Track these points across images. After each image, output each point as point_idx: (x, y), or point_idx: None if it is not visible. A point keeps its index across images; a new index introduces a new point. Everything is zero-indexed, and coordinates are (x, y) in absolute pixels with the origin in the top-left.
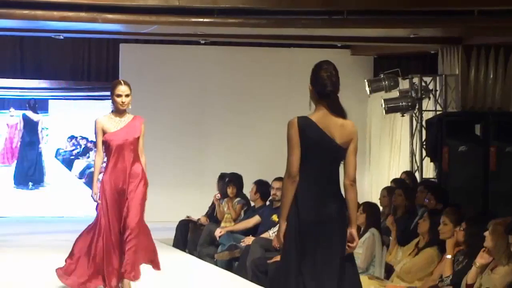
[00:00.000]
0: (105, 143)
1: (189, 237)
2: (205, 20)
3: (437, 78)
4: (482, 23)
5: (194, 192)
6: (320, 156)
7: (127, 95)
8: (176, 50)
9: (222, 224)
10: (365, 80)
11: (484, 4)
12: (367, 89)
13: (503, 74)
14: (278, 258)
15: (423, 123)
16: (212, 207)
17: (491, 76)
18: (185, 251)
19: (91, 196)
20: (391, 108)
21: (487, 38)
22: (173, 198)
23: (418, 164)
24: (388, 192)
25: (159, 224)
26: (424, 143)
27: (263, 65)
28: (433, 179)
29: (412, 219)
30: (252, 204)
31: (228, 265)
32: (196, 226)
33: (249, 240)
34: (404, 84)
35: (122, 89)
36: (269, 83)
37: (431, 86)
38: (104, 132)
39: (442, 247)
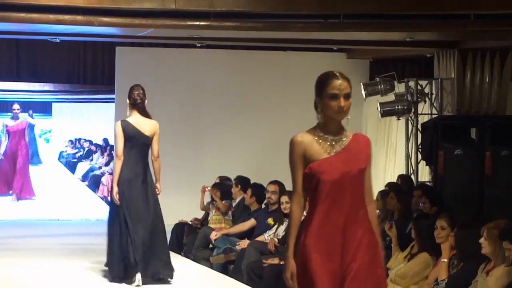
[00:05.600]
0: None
1: (185, 240)
2: (201, 23)
3: (433, 81)
4: (478, 27)
5: (189, 195)
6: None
7: None
8: (172, 53)
9: (210, 225)
10: (361, 84)
11: (480, 8)
12: (363, 92)
13: (498, 78)
14: (273, 261)
15: (419, 126)
16: (207, 213)
17: (487, 80)
18: (180, 254)
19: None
20: (387, 111)
21: (483, 42)
22: (169, 201)
23: (413, 168)
24: (382, 195)
25: None
26: (420, 146)
27: (259, 68)
28: (428, 183)
29: (408, 223)
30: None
31: (224, 268)
32: (191, 229)
33: (244, 243)
34: (400, 88)
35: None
36: (265, 86)
37: (427, 90)
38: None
39: (434, 251)
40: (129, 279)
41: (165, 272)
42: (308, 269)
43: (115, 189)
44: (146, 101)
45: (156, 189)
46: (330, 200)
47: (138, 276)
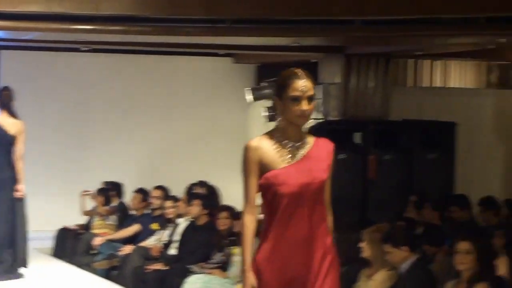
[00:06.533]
0: None
1: (68, 245)
2: (87, 27)
3: (318, 86)
4: (363, 33)
5: (73, 200)
6: None
7: None
8: (58, 57)
9: (93, 231)
10: (247, 88)
11: (366, 14)
12: (249, 97)
13: (382, 83)
14: (157, 266)
15: None
16: (90, 218)
17: (371, 85)
18: (63, 260)
19: None
20: (273, 116)
21: (368, 48)
22: (53, 207)
23: None
24: None
25: (38, 233)
26: None
27: (146, 72)
28: None
29: None
30: (133, 212)
31: (107, 274)
32: (75, 235)
33: (128, 248)
34: None
35: None
36: (152, 91)
37: None
38: None
39: None
40: None
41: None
42: None
43: None
44: (13, 102)
45: (18, 190)
46: (288, 215)
47: None
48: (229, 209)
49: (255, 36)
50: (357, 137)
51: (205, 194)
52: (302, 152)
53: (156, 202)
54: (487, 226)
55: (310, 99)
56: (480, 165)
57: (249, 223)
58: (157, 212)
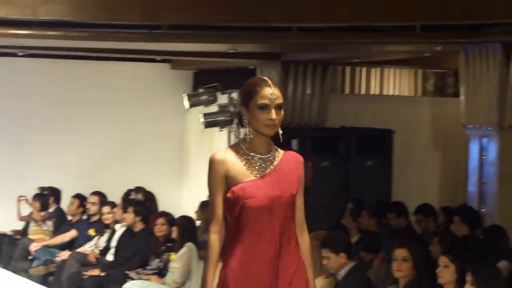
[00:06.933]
0: None
1: (3, 251)
2: (24, 32)
3: None
4: (300, 40)
5: (9, 205)
6: None
7: None
8: None
9: (30, 236)
10: (184, 95)
11: (302, 21)
12: (186, 103)
13: (319, 90)
14: (94, 272)
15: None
16: (27, 224)
17: (308, 92)
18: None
19: None
20: (210, 122)
21: (305, 55)
22: None
23: None
24: (203, 206)
25: None
26: None
27: (83, 78)
28: None
29: None
30: (70, 218)
31: (44, 280)
32: (11, 240)
33: (65, 254)
34: (223, 99)
35: None
36: (90, 96)
37: None
38: None
39: None
40: None
41: None
42: None
43: None
44: None
45: None
46: (256, 231)
47: None
48: (166, 215)
49: (192, 42)
50: (294, 144)
51: (140, 201)
52: (271, 165)
53: (92, 208)
54: (424, 233)
55: (279, 107)
56: (416, 172)
57: (214, 243)
58: (94, 218)
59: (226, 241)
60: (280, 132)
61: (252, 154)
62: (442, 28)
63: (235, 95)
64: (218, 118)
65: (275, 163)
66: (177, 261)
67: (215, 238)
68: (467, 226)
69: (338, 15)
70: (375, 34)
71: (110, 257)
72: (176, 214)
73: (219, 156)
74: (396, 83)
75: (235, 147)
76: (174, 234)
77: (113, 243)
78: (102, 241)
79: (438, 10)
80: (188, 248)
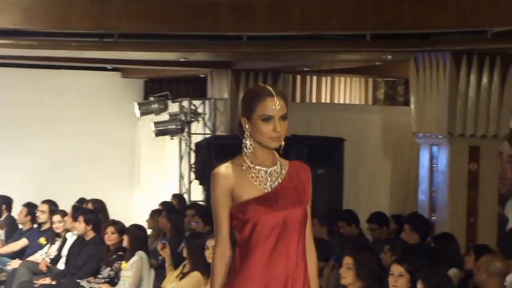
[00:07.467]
0: None
1: None
2: None
3: (206, 101)
4: (250, 48)
5: None
6: None
7: None
8: None
9: None
10: (135, 103)
11: (253, 30)
12: (137, 111)
13: None
14: (45, 280)
15: (192, 146)
16: None
17: None
18: None
19: None
20: (161, 131)
21: (256, 63)
22: None
23: (186, 187)
24: (155, 214)
25: None
26: (193, 166)
27: (35, 87)
28: (201, 202)
29: (181, 242)
30: (21, 226)
31: None
32: None
33: (15, 263)
34: (174, 108)
35: None
36: (41, 105)
37: (200, 110)
38: None
39: (206, 270)
40: None
41: None
42: None
43: None
44: None
45: None
46: (269, 250)
47: None
48: (116, 224)
49: (143, 50)
50: None
51: (90, 210)
52: (279, 178)
53: (42, 217)
54: (376, 241)
55: (284, 118)
56: (367, 180)
57: (219, 269)
58: (45, 227)
59: (233, 262)
60: (283, 143)
61: (258, 167)
62: (392, 37)
63: (186, 103)
64: (169, 127)
65: (283, 175)
66: (128, 269)
67: (220, 264)
68: (418, 234)
69: (288, 24)
70: (325, 43)
71: (61, 265)
72: (128, 222)
73: (224, 170)
74: (346, 91)
75: (239, 161)
76: (125, 243)
77: (64, 251)
78: (53, 250)
79: (388, 18)
80: (139, 256)
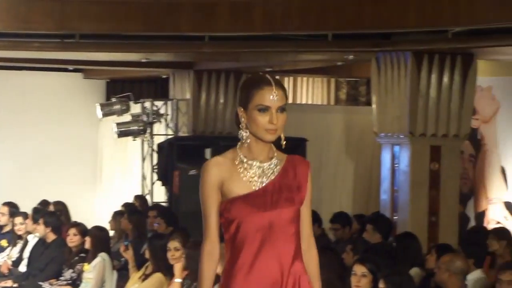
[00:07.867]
0: None
1: None
2: None
3: (169, 102)
4: (212, 49)
5: None
6: None
7: None
8: None
9: None
10: (97, 104)
11: (214, 30)
12: (99, 112)
13: (233, 99)
14: (7, 283)
15: (155, 147)
16: None
17: (221, 101)
18: None
19: None
20: (123, 132)
21: (218, 64)
22: None
23: (149, 188)
24: (117, 216)
25: None
26: (155, 167)
27: None
28: (164, 203)
29: (143, 244)
30: None
31: None
32: None
33: None
34: (136, 108)
35: None
36: (1, 106)
37: (162, 111)
38: None
39: (168, 272)
40: None
41: None
42: None
43: None
44: None
45: None
46: (254, 252)
47: None
48: (78, 225)
49: (105, 51)
50: (208, 153)
51: (50, 212)
52: (271, 175)
53: (2, 219)
54: (338, 241)
55: (282, 109)
56: (329, 180)
57: (206, 266)
58: (6, 229)
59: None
60: (283, 137)
61: (250, 162)
62: (354, 37)
63: (148, 104)
64: (131, 128)
65: (277, 172)
66: (90, 271)
67: (207, 261)
68: (380, 233)
69: (250, 24)
70: (287, 43)
71: (22, 268)
72: (90, 224)
73: (214, 163)
74: (309, 91)
75: (232, 154)
76: (88, 245)
77: (26, 254)
78: (14, 252)
79: (349, 18)
80: (102, 258)
